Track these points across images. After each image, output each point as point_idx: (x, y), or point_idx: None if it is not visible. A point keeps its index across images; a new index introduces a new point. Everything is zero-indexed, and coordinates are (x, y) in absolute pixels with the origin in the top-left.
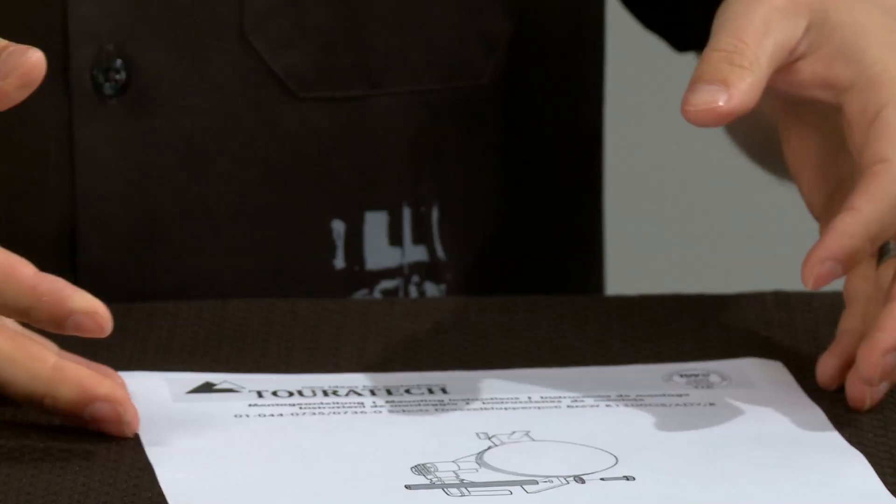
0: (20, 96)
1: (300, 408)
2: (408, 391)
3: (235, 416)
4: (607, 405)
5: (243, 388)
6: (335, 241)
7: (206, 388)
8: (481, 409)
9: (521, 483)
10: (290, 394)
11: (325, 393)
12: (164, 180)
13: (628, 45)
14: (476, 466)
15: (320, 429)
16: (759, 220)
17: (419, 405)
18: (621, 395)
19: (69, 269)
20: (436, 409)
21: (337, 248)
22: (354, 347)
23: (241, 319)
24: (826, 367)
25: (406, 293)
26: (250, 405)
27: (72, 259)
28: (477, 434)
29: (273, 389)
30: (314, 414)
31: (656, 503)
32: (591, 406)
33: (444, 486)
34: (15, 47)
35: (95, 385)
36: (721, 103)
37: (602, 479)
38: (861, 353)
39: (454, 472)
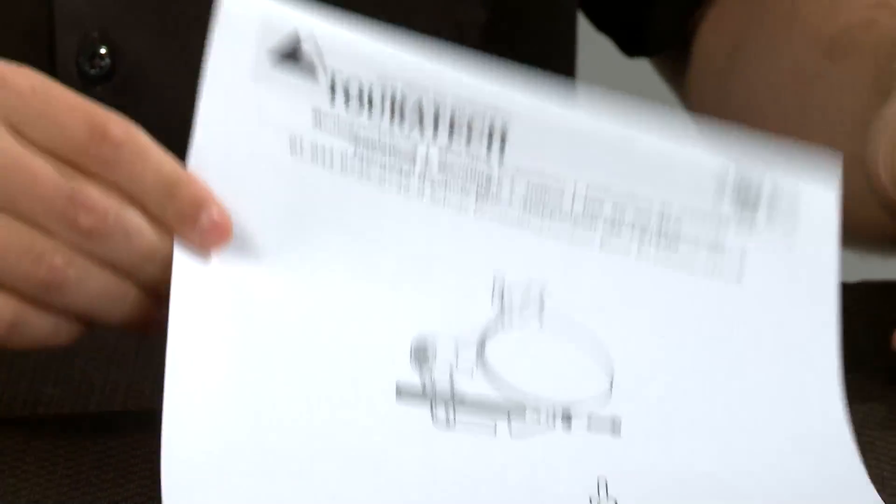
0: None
1: (355, 156)
2: (468, 141)
3: (291, 144)
4: (640, 246)
5: (327, 66)
6: None
7: (291, 57)
8: (516, 222)
9: (508, 412)
10: (360, 102)
11: (393, 113)
12: None
13: (601, 35)
14: (473, 367)
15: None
16: None
17: (461, 195)
18: (662, 214)
19: None
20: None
21: None
22: None
23: None
24: None
25: None
26: (314, 122)
27: None
28: (494, 278)
29: (355, 86)
30: (361, 175)
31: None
32: (624, 251)
33: (432, 403)
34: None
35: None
36: None
37: (589, 417)
38: None
39: (450, 369)
